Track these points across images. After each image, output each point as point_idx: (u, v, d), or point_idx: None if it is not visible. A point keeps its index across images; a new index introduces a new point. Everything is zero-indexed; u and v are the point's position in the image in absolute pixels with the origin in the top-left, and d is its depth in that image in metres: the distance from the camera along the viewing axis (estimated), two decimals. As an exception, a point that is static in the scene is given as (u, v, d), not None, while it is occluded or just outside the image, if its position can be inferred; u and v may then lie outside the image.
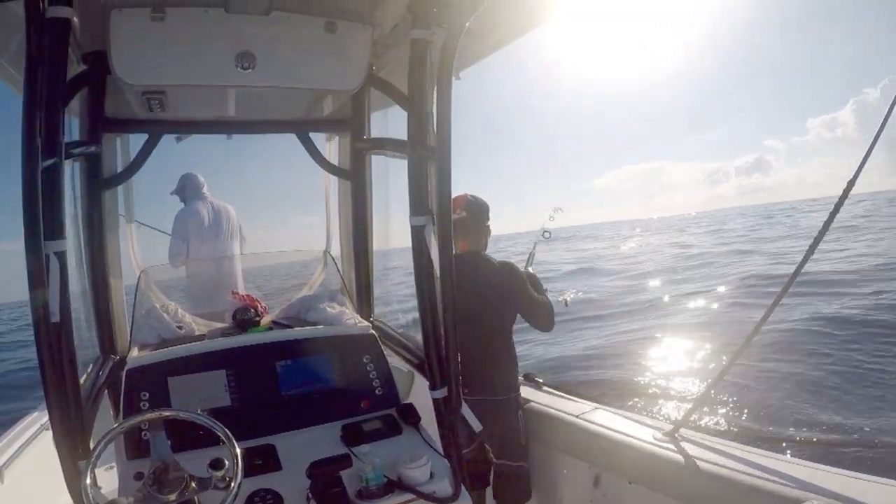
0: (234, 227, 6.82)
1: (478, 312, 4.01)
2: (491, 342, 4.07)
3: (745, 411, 9.40)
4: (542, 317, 4.10)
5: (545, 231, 4.94)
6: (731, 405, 9.61)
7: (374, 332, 3.64)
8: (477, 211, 4.19)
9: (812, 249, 3.03)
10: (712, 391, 3.32)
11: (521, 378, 4.34)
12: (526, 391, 4.30)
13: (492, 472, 4.13)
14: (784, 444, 7.74)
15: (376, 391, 3.35)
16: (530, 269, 4.49)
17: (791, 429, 8.69)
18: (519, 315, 4.17)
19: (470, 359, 3.96)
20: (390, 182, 4.26)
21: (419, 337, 3.22)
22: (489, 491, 4.23)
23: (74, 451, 2.31)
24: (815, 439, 8.21)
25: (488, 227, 4.25)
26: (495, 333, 4.08)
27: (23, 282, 2.18)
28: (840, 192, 3.00)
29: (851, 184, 2.97)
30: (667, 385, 11.22)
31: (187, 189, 6.71)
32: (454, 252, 4.18)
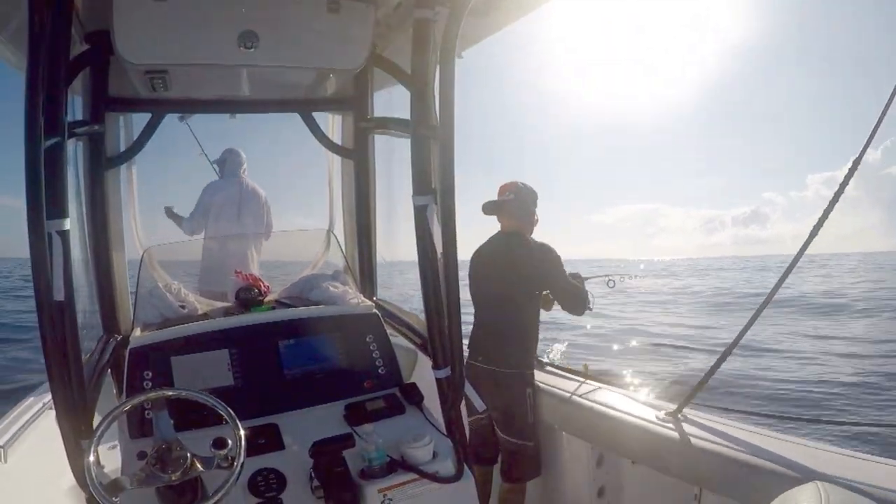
0: (259, 210, 6.69)
1: (504, 288, 4.09)
2: (510, 317, 4.12)
3: (749, 391, 9.40)
4: (572, 300, 4.13)
5: (610, 279, 4.95)
6: (734, 385, 9.60)
7: (376, 311, 3.64)
8: (524, 196, 4.25)
9: (813, 234, 3.01)
10: (716, 371, 3.29)
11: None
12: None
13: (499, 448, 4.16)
14: (788, 425, 7.75)
15: (379, 371, 3.35)
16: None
17: (795, 409, 8.69)
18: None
19: (489, 330, 4.02)
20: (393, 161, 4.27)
21: (422, 316, 3.22)
22: (497, 469, 4.26)
23: (77, 430, 2.32)
24: (820, 419, 8.20)
25: (535, 213, 4.31)
26: (518, 310, 4.12)
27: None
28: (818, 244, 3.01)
29: (814, 233, 2.97)
30: (670, 365, 11.22)
31: (227, 163, 6.61)
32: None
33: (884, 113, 2.86)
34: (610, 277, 4.89)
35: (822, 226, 2.99)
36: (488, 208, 4.25)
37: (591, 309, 4.31)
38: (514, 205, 4.21)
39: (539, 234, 4.26)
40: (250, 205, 6.54)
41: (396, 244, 4.49)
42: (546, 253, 4.11)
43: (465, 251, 3.81)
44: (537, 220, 4.34)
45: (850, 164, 2.98)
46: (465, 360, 3.57)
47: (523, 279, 4.07)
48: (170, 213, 6.31)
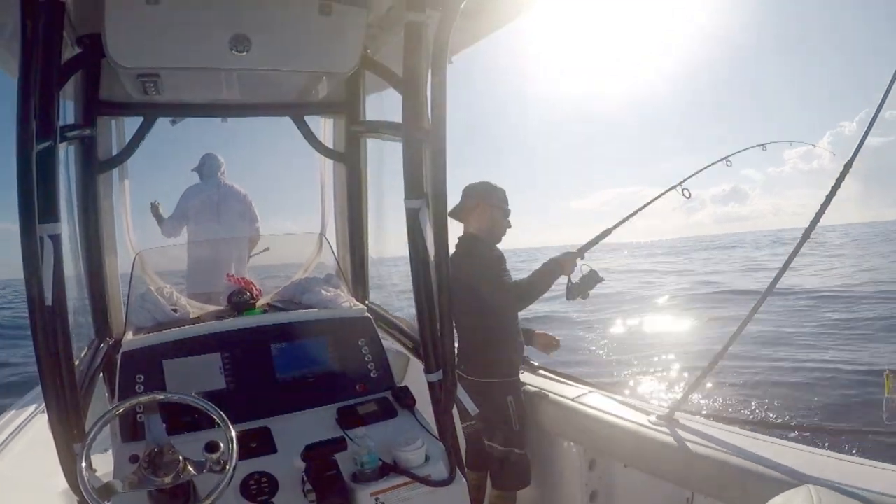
0: (240, 208, 6.68)
1: (463, 298, 4.00)
2: (478, 327, 4.10)
3: (742, 395, 9.40)
4: (500, 298, 4.08)
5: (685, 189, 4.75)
6: (727, 389, 9.60)
7: (369, 314, 3.64)
8: (469, 196, 4.24)
9: (807, 234, 3.03)
10: (708, 375, 3.29)
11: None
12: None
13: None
14: (781, 429, 7.75)
15: (371, 374, 3.35)
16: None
17: (788, 413, 8.70)
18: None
19: (463, 340, 4.02)
20: (385, 165, 4.27)
21: (415, 320, 3.22)
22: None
23: (70, 433, 2.32)
24: (812, 423, 8.21)
25: (485, 207, 4.22)
26: (483, 318, 4.09)
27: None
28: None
29: (819, 214, 2.98)
30: (662, 368, 11.21)
31: (205, 168, 6.62)
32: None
33: (852, 158, 2.89)
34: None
35: (806, 239, 3.01)
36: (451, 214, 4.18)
37: (601, 281, 4.31)
38: (461, 206, 4.22)
39: (520, 224, 4.21)
40: (230, 204, 6.56)
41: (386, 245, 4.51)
42: (476, 256, 4.11)
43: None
44: (506, 212, 4.29)
45: (827, 136, 3.00)
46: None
47: (473, 287, 4.05)
48: (155, 210, 6.31)
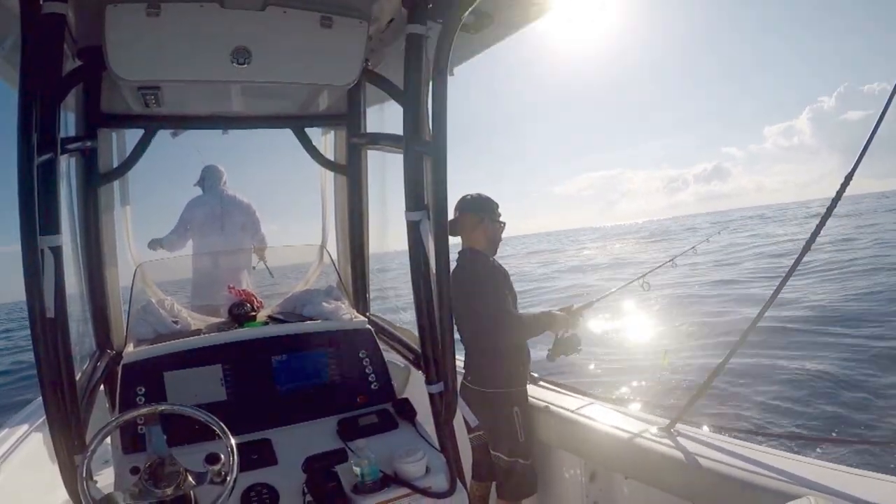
0: (244, 219, 6.62)
1: (463, 308, 3.97)
2: (482, 337, 4.05)
3: (743, 406, 9.36)
4: (490, 326, 3.99)
5: (644, 282, 4.89)
6: (728, 400, 9.56)
7: (369, 326, 3.64)
8: (466, 211, 4.16)
9: (807, 246, 3.02)
10: (709, 386, 3.28)
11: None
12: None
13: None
14: (782, 440, 7.72)
15: (372, 386, 3.35)
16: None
17: (789, 424, 8.67)
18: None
19: (469, 350, 4.00)
20: (386, 177, 4.28)
21: (415, 332, 3.22)
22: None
23: (70, 445, 2.32)
24: (813, 435, 8.18)
25: (484, 221, 4.14)
26: (485, 329, 4.02)
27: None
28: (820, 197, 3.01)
29: (843, 188, 2.96)
30: (663, 380, 11.18)
31: (206, 180, 6.57)
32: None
33: (880, 118, 2.87)
34: (644, 280, 4.84)
35: (814, 240, 3.00)
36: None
37: (579, 350, 4.27)
38: (457, 222, 4.14)
39: (505, 211, 4.18)
40: (233, 215, 6.50)
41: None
42: (470, 269, 4.04)
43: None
44: (502, 226, 4.22)
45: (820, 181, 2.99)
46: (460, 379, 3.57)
47: (474, 301, 3.97)
48: (154, 243, 6.23)
